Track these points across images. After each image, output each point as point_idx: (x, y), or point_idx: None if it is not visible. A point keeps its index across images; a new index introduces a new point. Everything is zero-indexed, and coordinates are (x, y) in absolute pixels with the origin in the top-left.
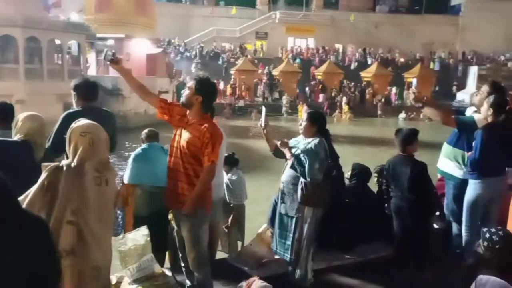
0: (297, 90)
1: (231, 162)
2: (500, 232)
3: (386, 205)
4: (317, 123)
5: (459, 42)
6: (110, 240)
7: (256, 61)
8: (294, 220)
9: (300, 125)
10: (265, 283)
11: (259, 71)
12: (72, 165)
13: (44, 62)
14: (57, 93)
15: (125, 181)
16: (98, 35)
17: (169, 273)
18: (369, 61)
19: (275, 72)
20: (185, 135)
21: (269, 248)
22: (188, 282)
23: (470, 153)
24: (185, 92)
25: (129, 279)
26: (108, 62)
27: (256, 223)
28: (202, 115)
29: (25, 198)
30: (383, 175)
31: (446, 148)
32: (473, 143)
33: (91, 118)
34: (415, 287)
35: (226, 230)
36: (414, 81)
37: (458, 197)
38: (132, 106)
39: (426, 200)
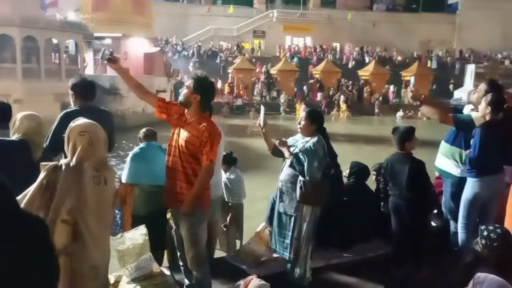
0: (295, 89)
1: (229, 161)
2: (498, 230)
3: (382, 203)
4: (316, 122)
5: (456, 40)
6: (109, 239)
7: (253, 60)
8: (292, 218)
9: (299, 123)
10: (262, 282)
11: (257, 70)
12: (71, 164)
13: (42, 62)
14: (54, 92)
15: (123, 180)
16: (96, 34)
17: (167, 272)
18: (367, 60)
19: (273, 71)
20: (183, 134)
21: (268, 246)
22: (186, 281)
23: (468, 151)
24: (183, 91)
25: (128, 278)
26: (106, 61)
27: (254, 222)
28: (201, 114)
29: (24, 198)
30: (381, 173)
31: (443, 146)
32: (471, 141)
33: (89, 117)
34: (413, 285)
35: (225, 229)
36: (412, 79)
37: (456, 195)
38: (130, 105)
39: (424, 198)
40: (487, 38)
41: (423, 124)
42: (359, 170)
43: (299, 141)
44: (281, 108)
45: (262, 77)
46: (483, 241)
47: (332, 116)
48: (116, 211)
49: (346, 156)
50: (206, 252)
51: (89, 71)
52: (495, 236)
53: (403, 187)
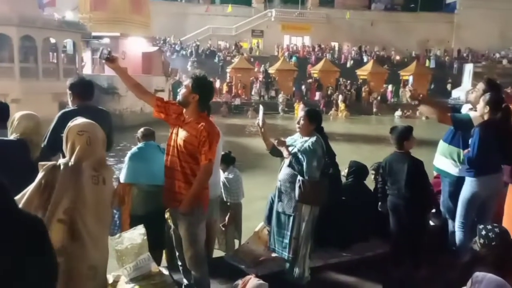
0: (293, 88)
1: (228, 161)
2: (496, 229)
3: (380, 203)
4: (315, 121)
5: (454, 39)
6: (107, 239)
7: (252, 59)
8: (291, 218)
9: (298, 123)
10: (260, 281)
11: (255, 70)
12: (70, 164)
13: (39, 61)
14: (52, 92)
15: (122, 180)
16: (94, 34)
17: (166, 272)
18: (365, 59)
19: (271, 70)
20: (182, 134)
21: (266, 246)
22: (185, 281)
23: (466, 150)
24: (182, 91)
25: (126, 278)
26: (104, 61)
27: (253, 221)
28: (199, 114)
29: (22, 197)
30: (379, 173)
31: (442, 145)
32: (470, 140)
33: (87, 117)
34: (412, 284)
35: (223, 229)
36: (410, 78)
37: (454, 194)
38: (128, 105)
39: (423, 197)
40: (485, 38)
41: (421, 123)
42: (358, 170)
43: (298, 141)
44: (280, 108)
45: (261, 77)
46: (482, 240)
47: (330, 115)
48: (114, 211)
49: (345, 156)
50: (205, 252)
51: (87, 70)
52: (493, 235)
53: (402, 186)
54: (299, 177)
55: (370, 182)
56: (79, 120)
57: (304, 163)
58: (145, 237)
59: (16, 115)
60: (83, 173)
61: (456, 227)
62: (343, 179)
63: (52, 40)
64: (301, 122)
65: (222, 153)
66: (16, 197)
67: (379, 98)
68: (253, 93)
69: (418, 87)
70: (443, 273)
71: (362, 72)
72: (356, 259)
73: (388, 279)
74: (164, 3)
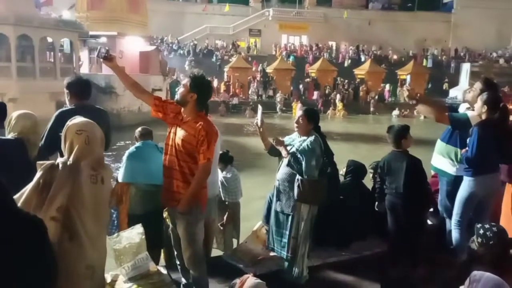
0: (291, 88)
1: (226, 160)
2: (494, 228)
3: (377, 203)
4: (313, 121)
5: (452, 39)
6: (105, 238)
7: (249, 59)
8: (290, 217)
9: (297, 122)
10: (258, 280)
11: (253, 69)
12: (68, 163)
13: (36, 60)
14: (49, 91)
15: (119, 179)
16: (91, 33)
17: (164, 271)
18: (363, 58)
19: (269, 70)
20: (180, 133)
21: (264, 245)
22: (183, 280)
23: (464, 150)
24: (180, 90)
25: (124, 278)
26: (102, 60)
27: (252, 221)
28: (197, 113)
29: (20, 197)
30: (377, 173)
31: (439, 145)
32: (468, 140)
33: (84, 116)
34: (409, 283)
35: (221, 228)
36: (408, 78)
37: (452, 193)
38: (126, 104)
39: (421, 195)
40: (482, 37)
41: (418, 122)
42: (356, 169)
43: (296, 140)
44: (277, 107)
45: (258, 76)
46: (479, 239)
47: (328, 115)
48: (112, 211)
49: (342, 155)
50: (203, 251)
51: (84, 69)
52: (491, 235)
53: (400, 184)
54: (298, 177)
55: (368, 181)
56: (78, 119)
57: (303, 163)
58: (143, 237)
59: (13, 114)
60: (82, 172)
61: (452, 225)
62: (341, 178)
63: (49, 39)
64: (300, 121)
65: (220, 152)
66: (15, 197)
67: (376, 97)
68: (250, 92)
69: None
70: (441, 272)
71: (360, 72)
72: (354, 258)
73: (386, 278)
74: (162, 2)
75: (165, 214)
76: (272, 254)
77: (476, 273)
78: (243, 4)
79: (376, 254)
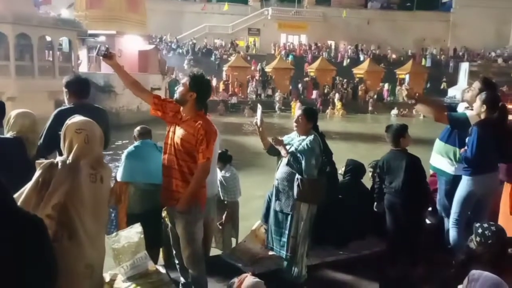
0: (290, 87)
1: (225, 159)
2: (493, 228)
3: (376, 203)
4: (313, 120)
5: (450, 38)
6: (104, 237)
7: (248, 58)
8: (289, 217)
9: (296, 121)
10: (256, 279)
11: (252, 68)
12: (67, 162)
13: (35, 59)
14: (48, 90)
15: (118, 178)
16: (89, 32)
17: (163, 270)
18: (362, 58)
19: (267, 69)
20: (179, 132)
21: (263, 244)
22: (182, 279)
23: (463, 149)
24: (179, 89)
25: (123, 277)
26: (102, 57)
27: (250, 220)
28: (196, 112)
29: (20, 196)
30: (376, 172)
31: (438, 144)
32: (467, 139)
33: (83, 115)
34: (408, 282)
35: (220, 227)
36: (407, 77)
37: (450, 193)
38: (125, 103)
39: (420, 194)
40: (480, 36)
41: (417, 122)
42: (355, 168)
43: (295, 139)
44: (276, 106)
45: (257, 75)
46: (478, 239)
47: (327, 114)
48: (111, 210)
49: (341, 154)
50: (202, 250)
51: (83, 68)
52: (489, 234)
53: (400, 182)
54: (297, 176)
55: (367, 180)
56: (77, 118)
57: (303, 162)
58: (142, 236)
59: (12, 113)
60: (81, 171)
61: (450, 224)
62: (340, 178)
63: (48, 38)
64: (299, 120)
65: (219, 151)
66: (14, 196)
67: (375, 96)
68: (249, 91)
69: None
70: (439, 271)
71: (359, 71)
72: (353, 257)
73: (385, 277)
74: (160, 1)
75: (164, 214)
76: (270, 253)
77: (474, 272)
78: (242, 3)
79: (375, 253)
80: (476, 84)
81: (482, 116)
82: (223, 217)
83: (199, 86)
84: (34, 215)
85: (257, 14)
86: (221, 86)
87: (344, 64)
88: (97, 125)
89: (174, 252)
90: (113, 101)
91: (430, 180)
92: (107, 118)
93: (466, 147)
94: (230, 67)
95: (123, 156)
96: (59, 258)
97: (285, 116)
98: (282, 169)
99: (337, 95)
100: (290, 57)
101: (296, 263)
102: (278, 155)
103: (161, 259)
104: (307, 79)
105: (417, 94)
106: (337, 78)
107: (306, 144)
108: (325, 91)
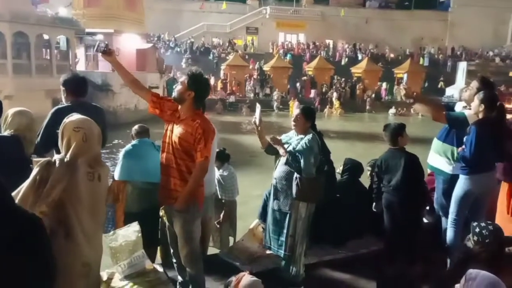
0: (288, 86)
1: (223, 158)
2: (490, 227)
3: (374, 203)
4: (311, 119)
5: (448, 37)
6: (101, 236)
7: (246, 57)
8: (288, 216)
9: (294, 120)
10: (254, 278)
11: (250, 67)
12: (65, 160)
13: (32, 58)
14: (45, 88)
15: (116, 177)
16: (87, 30)
17: (160, 269)
18: (360, 57)
19: (266, 68)
20: (177, 131)
21: (261, 243)
22: (179, 278)
23: (460, 148)
24: (178, 87)
25: (120, 275)
26: (101, 54)
27: (248, 220)
28: (194, 111)
29: (17, 194)
30: (374, 172)
31: (436, 143)
32: (465, 138)
33: (81, 113)
34: (406, 281)
35: (218, 226)
36: (405, 76)
37: (448, 192)
38: (122, 102)
39: (418, 193)
40: (478, 36)
41: (415, 121)
42: (353, 167)
43: (293, 138)
44: (274, 105)
45: (255, 74)
46: (475, 238)
47: (325, 113)
48: (108, 208)
49: (339, 153)
50: (200, 249)
51: (81, 67)
52: (487, 233)
53: (399, 180)
54: (296, 175)
55: (365, 179)
56: (75, 117)
57: (302, 161)
58: (140, 234)
59: (9, 111)
60: (79, 169)
61: (449, 224)
62: (338, 177)
63: (45, 37)
64: (297, 119)
65: (217, 150)
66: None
67: (373, 96)
68: (247, 90)
69: (412, 85)
70: (436, 270)
71: (357, 70)
72: (350, 256)
73: (382, 276)
74: (158, 0)
75: (161, 212)
76: (268, 252)
77: (471, 271)
78: (240, 2)
79: (373, 252)
80: (474, 83)
81: (480, 115)
82: (221, 216)
83: (198, 85)
84: (32, 214)
85: (255, 13)
86: (219, 85)
87: (342, 63)
88: (95, 124)
89: (171, 250)
90: (110, 100)
91: (428, 179)
92: (104, 117)
93: (463, 146)
94: (228, 66)
95: (121, 155)
96: (56, 257)
97: (283, 115)
98: (280, 168)
99: (335, 94)
100: (288, 56)
101: (294, 262)
102: (276, 154)
103: (158, 258)
104: (305, 78)
105: (415, 93)
106: (335, 77)
107: (305, 143)
108: (323, 90)
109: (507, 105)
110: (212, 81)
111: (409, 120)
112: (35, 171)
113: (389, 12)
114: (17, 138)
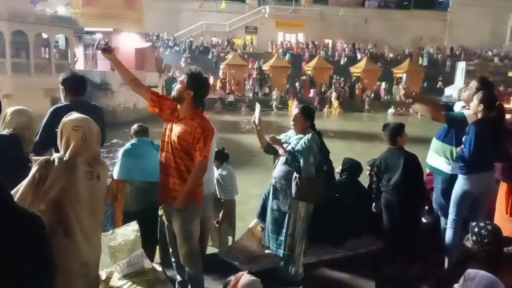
0: (287, 85)
1: (222, 157)
2: (489, 227)
3: (374, 203)
4: (310, 118)
5: (447, 37)
6: (100, 235)
7: (246, 56)
8: (287, 215)
9: (293, 120)
10: (253, 277)
11: (249, 66)
12: (64, 159)
13: (31, 56)
14: (44, 87)
15: (115, 176)
16: (86, 29)
17: (159, 268)
18: (359, 56)
19: (265, 67)
20: (176, 130)
21: (260, 243)
22: (178, 277)
23: (459, 148)
24: (177, 86)
25: (119, 275)
26: (101, 51)
27: (247, 219)
28: (193, 110)
29: (16, 193)
30: (373, 171)
31: (435, 143)
32: (464, 138)
33: (80, 112)
34: (404, 281)
35: (217, 225)
36: (404, 76)
37: (447, 191)
38: (121, 101)
39: (417, 192)
40: (477, 36)
41: (414, 121)
42: (352, 167)
43: (293, 138)
44: (273, 105)
45: (254, 73)
46: (474, 238)
47: (324, 112)
48: (107, 207)
49: (338, 153)
50: (199, 248)
51: (80, 66)
52: (485, 233)
53: (398, 179)
54: (296, 174)
55: (364, 178)
56: (74, 115)
57: (301, 160)
58: (139, 234)
59: (8, 110)
60: (78, 168)
61: (448, 224)
62: (337, 176)
63: (44, 35)
64: (297, 119)
65: (216, 149)
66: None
67: (372, 95)
68: (246, 89)
69: (411, 84)
70: (435, 270)
71: (356, 70)
72: (349, 255)
73: (381, 276)
74: None
75: (160, 212)
76: (267, 251)
77: (470, 271)
78: (240, 1)
79: (372, 251)
80: (473, 83)
81: (479, 115)
82: (220, 215)
83: (197, 84)
84: (32, 213)
85: (254, 12)
86: (218, 84)
87: (341, 62)
88: (94, 123)
89: (170, 250)
90: (109, 99)
91: (427, 179)
92: (103, 116)
93: (462, 146)
94: (227, 65)
95: (120, 154)
96: (55, 256)
97: (282, 114)
98: (279, 167)
99: (334, 94)
100: (288, 56)
101: (293, 262)
102: (275, 153)
103: (157, 257)
104: (304, 77)
105: (414, 93)
106: (334, 76)
107: (304, 143)
108: (322, 89)
109: (506, 105)
110: (211, 80)
111: (408, 120)
112: (34, 169)
113: (388, 11)
114: (16, 137)
